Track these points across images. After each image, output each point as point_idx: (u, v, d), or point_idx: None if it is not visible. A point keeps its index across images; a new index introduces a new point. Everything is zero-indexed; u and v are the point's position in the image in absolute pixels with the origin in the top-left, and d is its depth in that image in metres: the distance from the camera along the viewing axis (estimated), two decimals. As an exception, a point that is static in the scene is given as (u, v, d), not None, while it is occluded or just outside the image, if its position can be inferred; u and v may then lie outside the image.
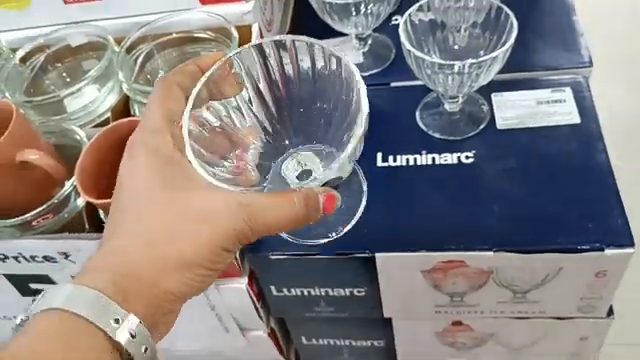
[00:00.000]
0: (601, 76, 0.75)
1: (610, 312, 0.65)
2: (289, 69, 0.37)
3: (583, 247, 0.56)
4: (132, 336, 0.29)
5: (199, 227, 0.32)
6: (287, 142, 0.41)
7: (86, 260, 0.32)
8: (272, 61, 0.37)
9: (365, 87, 0.34)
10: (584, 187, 0.60)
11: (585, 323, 0.66)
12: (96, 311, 0.29)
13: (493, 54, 0.57)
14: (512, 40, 0.58)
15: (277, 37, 0.36)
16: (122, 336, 0.29)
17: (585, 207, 0.58)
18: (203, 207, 0.32)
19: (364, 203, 0.42)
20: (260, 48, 0.37)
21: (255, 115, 0.39)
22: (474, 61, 0.57)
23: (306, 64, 0.37)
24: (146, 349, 0.30)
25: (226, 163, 0.37)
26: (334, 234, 0.41)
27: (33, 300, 0.30)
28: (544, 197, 0.60)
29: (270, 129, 0.40)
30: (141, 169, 0.34)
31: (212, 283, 0.34)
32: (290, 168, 0.39)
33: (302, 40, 0.35)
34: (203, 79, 0.36)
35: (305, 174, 0.38)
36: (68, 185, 0.60)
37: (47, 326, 0.29)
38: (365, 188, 0.43)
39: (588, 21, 0.76)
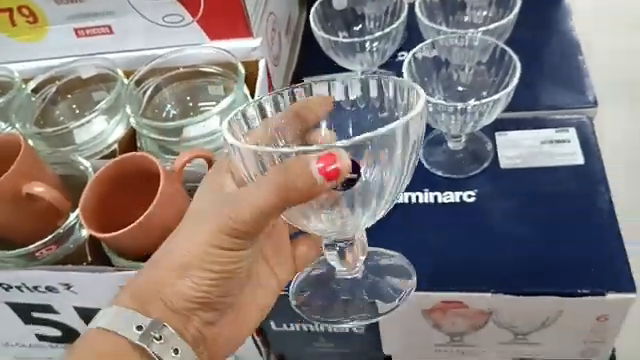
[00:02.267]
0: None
1: (613, 357, 0.64)
2: None
3: (584, 291, 0.55)
4: (156, 338, 0.31)
5: (191, 229, 0.34)
6: None
7: None
8: None
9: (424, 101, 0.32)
10: (586, 230, 0.59)
11: (588, 367, 0.65)
12: (118, 323, 0.32)
13: (495, 96, 0.57)
14: (514, 83, 0.58)
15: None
16: (144, 339, 0.31)
17: (587, 250, 0.58)
18: (196, 210, 0.35)
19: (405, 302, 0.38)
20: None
21: None
22: (476, 103, 0.57)
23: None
24: (177, 350, 0.32)
25: None
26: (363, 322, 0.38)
27: None
28: (545, 239, 0.60)
29: None
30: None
31: (227, 286, 0.34)
32: None
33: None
34: None
35: None
36: (72, 217, 0.60)
37: (82, 341, 0.32)
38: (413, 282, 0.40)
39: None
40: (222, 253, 0.32)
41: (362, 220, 0.35)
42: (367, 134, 0.28)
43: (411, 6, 0.72)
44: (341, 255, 0.38)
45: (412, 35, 0.74)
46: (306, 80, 0.37)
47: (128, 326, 0.31)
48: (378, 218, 0.35)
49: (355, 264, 0.39)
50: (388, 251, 0.43)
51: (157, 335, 0.31)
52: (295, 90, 0.37)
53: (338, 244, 0.37)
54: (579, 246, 0.58)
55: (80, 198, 0.58)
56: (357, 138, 0.28)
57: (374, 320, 0.37)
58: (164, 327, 0.32)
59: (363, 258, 0.39)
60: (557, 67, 0.75)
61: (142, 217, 0.55)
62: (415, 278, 0.39)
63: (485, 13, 0.76)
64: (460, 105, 0.58)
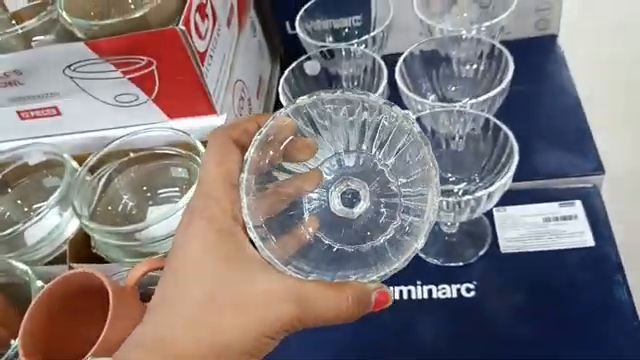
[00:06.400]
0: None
1: None
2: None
3: (606, 410, 0.48)
4: None
5: (247, 315, 0.31)
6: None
7: (135, 330, 0.32)
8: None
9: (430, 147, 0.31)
10: (603, 330, 0.52)
11: None
12: None
13: (491, 188, 0.50)
14: (513, 169, 0.51)
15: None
16: None
17: (606, 356, 0.50)
18: (253, 293, 0.31)
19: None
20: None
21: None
22: (470, 197, 0.50)
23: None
24: None
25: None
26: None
27: None
28: (558, 343, 0.52)
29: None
30: (194, 240, 0.32)
31: None
32: (337, 191, 0.37)
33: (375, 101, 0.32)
34: (255, 140, 0.33)
35: (351, 194, 0.36)
36: (13, 346, 0.52)
37: None
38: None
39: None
40: (271, 342, 0.31)
41: None
42: (390, 270, 0.32)
43: (391, 59, 0.64)
44: None
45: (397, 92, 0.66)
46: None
47: None
48: None
49: None
50: None
51: None
52: None
53: None
54: (595, 350, 0.51)
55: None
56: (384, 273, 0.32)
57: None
58: None
59: None
60: (555, 127, 0.68)
61: (93, 349, 0.47)
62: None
63: (475, 67, 0.69)
64: (451, 200, 0.50)
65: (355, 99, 0.32)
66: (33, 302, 0.51)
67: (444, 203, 0.52)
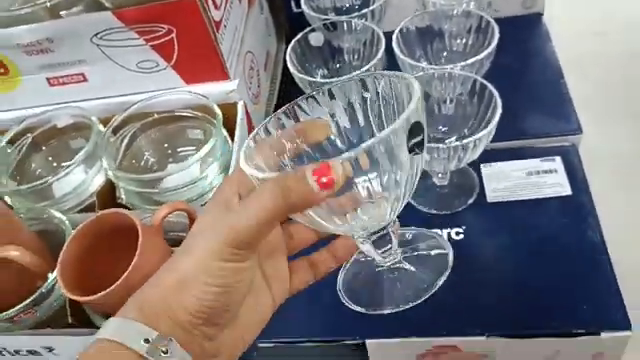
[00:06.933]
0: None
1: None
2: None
3: (578, 331, 0.54)
4: (163, 352, 0.33)
5: (193, 245, 0.35)
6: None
7: None
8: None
9: (420, 92, 0.34)
10: (577, 266, 0.58)
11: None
12: (128, 335, 0.33)
13: (477, 135, 0.56)
14: (496, 119, 0.57)
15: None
16: (152, 352, 0.32)
17: (579, 287, 0.57)
18: (199, 229, 0.36)
19: (444, 277, 0.43)
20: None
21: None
22: (458, 143, 0.56)
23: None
24: None
25: None
26: (409, 304, 0.41)
27: None
28: (537, 277, 0.58)
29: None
30: (203, 212, 0.38)
31: (229, 300, 0.35)
32: None
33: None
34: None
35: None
36: (51, 279, 0.58)
37: (93, 353, 0.33)
38: (450, 259, 0.45)
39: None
40: (223, 266, 0.33)
41: (387, 214, 0.37)
42: (362, 145, 0.30)
43: (389, 36, 0.70)
44: (375, 246, 0.41)
45: (393, 62, 0.72)
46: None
47: (136, 338, 0.32)
48: (402, 207, 0.38)
49: (389, 253, 0.42)
50: (426, 231, 0.48)
51: (164, 348, 0.33)
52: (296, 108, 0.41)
53: (370, 238, 0.40)
54: (571, 283, 0.57)
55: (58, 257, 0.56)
56: (349, 154, 0.30)
57: (407, 307, 0.40)
58: (171, 341, 0.33)
59: (396, 247, 0.42)
60: (539, 93, 0.75)
61: (121, 279, 0.53)
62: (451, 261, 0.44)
63: (464, 41, 0.75)
64: (442, 146, 0.56)
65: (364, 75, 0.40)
66: (70, 237, 0.57)
67: (433, 154, 0.59)
